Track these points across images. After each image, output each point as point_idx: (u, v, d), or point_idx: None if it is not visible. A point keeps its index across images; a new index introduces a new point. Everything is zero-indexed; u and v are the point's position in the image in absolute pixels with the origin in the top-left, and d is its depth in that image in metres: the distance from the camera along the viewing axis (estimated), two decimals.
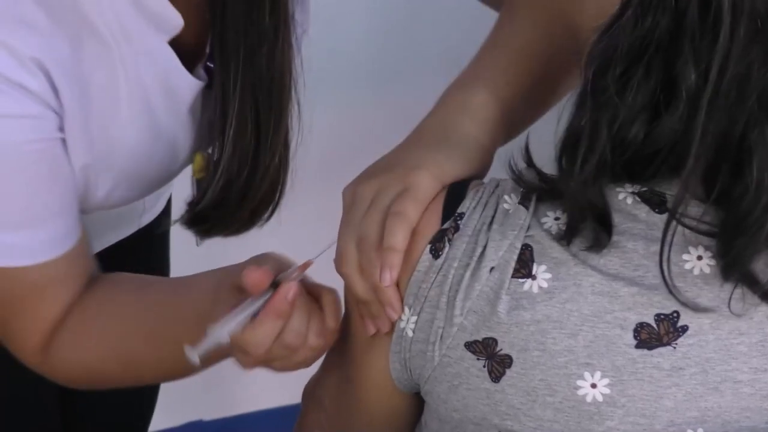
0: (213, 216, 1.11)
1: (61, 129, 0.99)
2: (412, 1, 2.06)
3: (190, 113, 1.10)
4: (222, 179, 1.08)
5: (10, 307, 1.05)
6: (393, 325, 0.92)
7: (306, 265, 0.97)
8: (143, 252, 1.42)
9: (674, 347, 0.84)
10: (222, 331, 0.92)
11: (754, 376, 0.84)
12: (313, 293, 0.99)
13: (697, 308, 0.83)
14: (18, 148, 0.96)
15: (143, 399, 1.51)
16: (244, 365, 0.99)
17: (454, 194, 0.93)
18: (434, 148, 0.96)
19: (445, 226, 0.91)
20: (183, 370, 1.08)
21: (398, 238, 0.90)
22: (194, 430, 2.13)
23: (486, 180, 0.96)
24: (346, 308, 0.98)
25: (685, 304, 0.83)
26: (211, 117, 1.11)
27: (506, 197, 0.90)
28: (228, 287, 0.99)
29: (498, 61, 1.02)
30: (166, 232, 1.47)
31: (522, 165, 0.91)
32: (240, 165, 1.08)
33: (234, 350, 0.96)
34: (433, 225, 0.91)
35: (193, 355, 0.92)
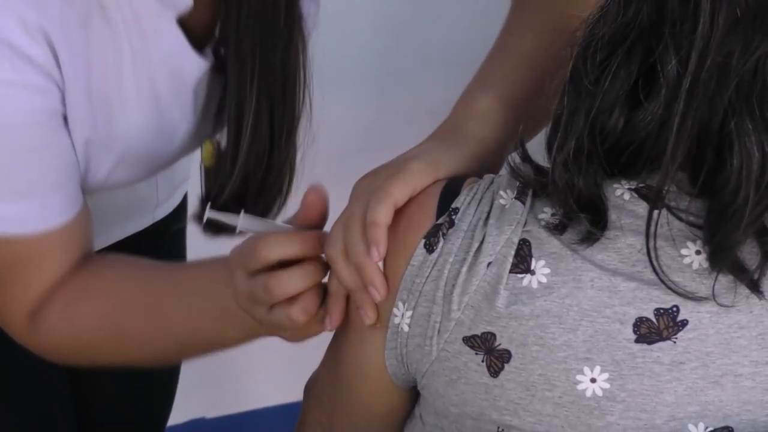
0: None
1: (63, 103, 1.00)
2: (418, 0, 2.06)
3: (193, 94, 1.11)
4: (239, 175, 1.10)
5: (2, 275, 1.05)
6: (379, 315, 0.92)
7: None
8: (158, 249, 1.42)
9: (674, 341, 0.83)
10: (241, 220, 0.95)
11: (755, 370, 0.84)
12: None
13: (692, 297, 0.83)
14: (21, 117, 0.96)
15: (161, 399, 1.51)
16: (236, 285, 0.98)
17: (450, 190, 0.93)
18: (435, 144, 0.98)
19: (440, 221, 0.90)
20: (176, 353, 1.09)
21: (379, 211, 0.91)
22: (197, 428, 2.13)
23: None
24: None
25: (676, 292, 0.82)
26: (220, 103, 1.12)
27: (501, 193, 0.90)
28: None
29: (503, 64, 1.04)
30: (182, 230, 1.47)
31: (518, 160, 0.91)
32: (257, 161, 1.10)
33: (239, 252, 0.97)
34: (427, 220, 0.91)
35: (207, 213, 0.96)
